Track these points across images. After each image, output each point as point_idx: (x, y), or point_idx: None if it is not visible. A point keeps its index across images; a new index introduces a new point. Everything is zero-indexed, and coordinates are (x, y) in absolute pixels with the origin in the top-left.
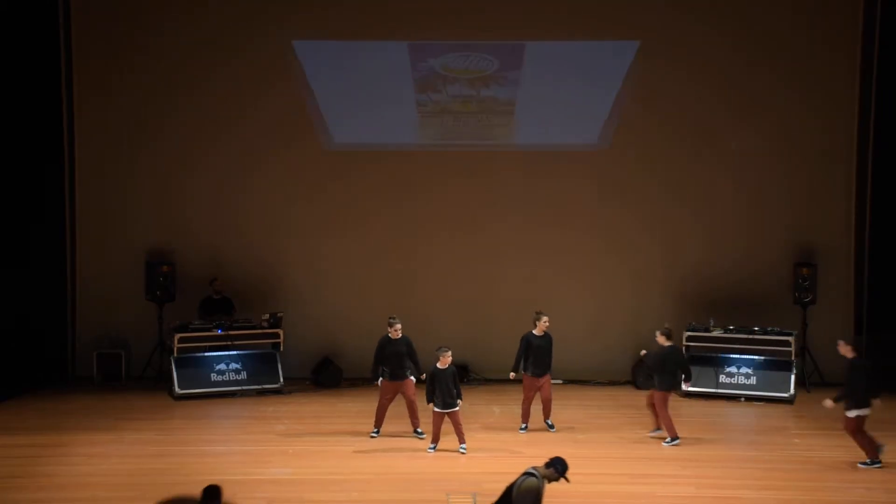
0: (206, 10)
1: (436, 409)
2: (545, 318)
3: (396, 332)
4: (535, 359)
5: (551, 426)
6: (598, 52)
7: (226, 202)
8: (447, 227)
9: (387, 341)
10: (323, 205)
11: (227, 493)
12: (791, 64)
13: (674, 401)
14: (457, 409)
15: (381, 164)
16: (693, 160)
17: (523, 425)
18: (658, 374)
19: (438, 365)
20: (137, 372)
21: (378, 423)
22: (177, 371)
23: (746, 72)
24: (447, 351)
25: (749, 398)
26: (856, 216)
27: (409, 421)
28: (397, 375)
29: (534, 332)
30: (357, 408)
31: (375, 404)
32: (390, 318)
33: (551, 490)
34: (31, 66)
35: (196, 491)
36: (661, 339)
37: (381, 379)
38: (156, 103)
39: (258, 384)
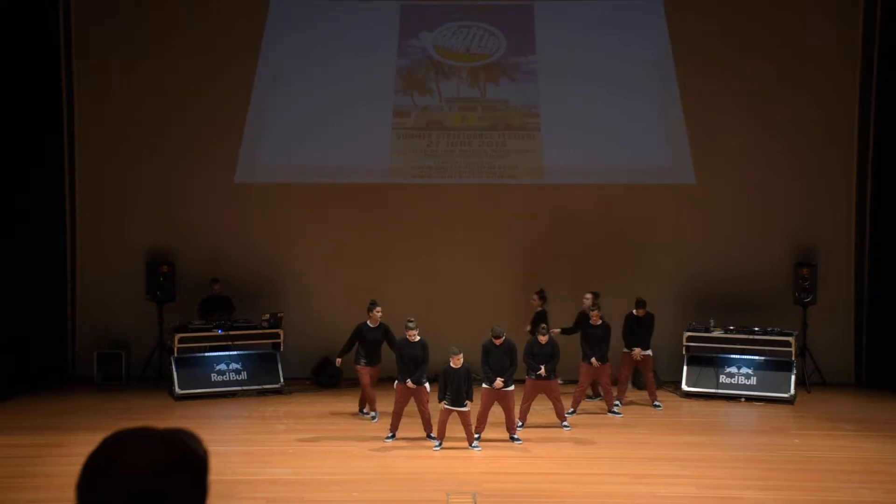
0: (209, 11)
1: (445, 406)
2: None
3: (413, 336)
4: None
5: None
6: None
7: (226, 202)
8: (449, 227)
9: (405, 343)
10: (323, 204)
11: (227, 493)
12: (792, 63)
13: (673, 401)
14: (466, 409)
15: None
16: (692, 159)
17: (476, 435)
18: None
19: (451, 364)
20: (137, 372)
21: (393, 428)
22: (177, 371)
23: (746, 70)
24: (459, 353)
25: (749, 398)
26: (856, 216)
27: (411, 422)
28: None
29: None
30: (357, 408)
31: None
32: (407, 321)
33: (552, 490)
34: (30, 66)
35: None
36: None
37: (395, 382)
38: (157, 103)
39: (258, 384)
